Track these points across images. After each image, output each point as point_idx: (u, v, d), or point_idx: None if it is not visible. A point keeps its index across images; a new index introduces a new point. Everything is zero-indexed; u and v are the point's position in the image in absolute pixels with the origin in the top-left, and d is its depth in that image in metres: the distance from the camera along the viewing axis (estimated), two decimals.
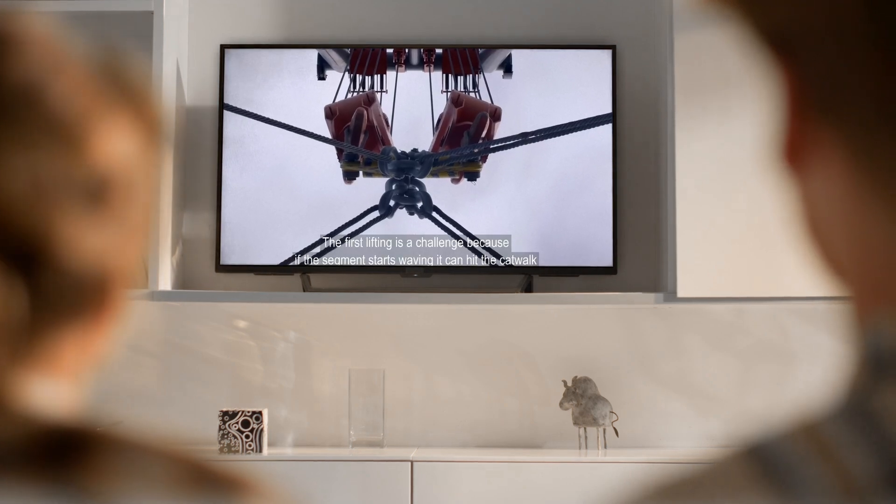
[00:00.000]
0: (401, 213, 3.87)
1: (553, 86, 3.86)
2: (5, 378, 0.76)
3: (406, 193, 3.86)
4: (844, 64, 0.54)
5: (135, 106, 0.82)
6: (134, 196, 0.81)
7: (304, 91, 3.88)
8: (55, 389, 0.79)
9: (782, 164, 0.58)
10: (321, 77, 3.88)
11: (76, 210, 0.77)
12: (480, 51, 3.88)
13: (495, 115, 3.86)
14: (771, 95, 0.58)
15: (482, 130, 3.86)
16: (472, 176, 3.85)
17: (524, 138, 3.86)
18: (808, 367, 3.83)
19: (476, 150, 3.86)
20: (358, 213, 3.87)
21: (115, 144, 0.80)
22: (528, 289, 3.81)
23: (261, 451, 3.69)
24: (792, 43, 0.56)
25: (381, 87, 3.89)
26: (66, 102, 0.78)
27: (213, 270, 3.87)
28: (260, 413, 3.69)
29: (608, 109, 3.84)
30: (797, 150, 0.57)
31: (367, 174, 3.87)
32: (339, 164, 3.87)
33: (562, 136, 3.85)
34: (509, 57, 3.87)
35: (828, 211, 0.57)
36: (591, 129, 3.84)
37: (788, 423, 0.53)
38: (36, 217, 0.76)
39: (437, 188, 3.86)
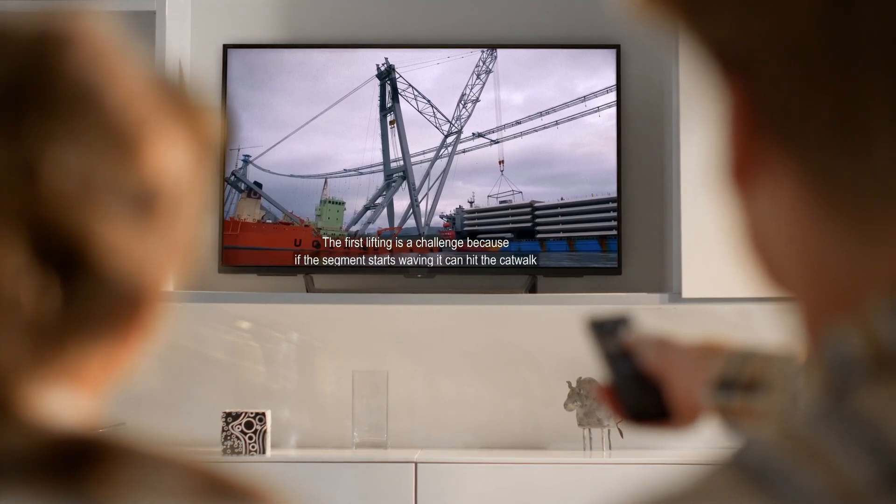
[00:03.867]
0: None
1: (557, 85, 3.86)
2: (22, 384, 0.74)
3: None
4: (799, 83, 0.54)
5: (191, 124, 0.81)
6: (180, 213, 0.80)
7: (307, 91, 3.87)
8: (72, 400, 0.77)
9: (730, 182, 0.58)
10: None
11: (122, 217, 0.76)
12: (484, 51, 3.87)
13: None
14: (720, 112, 0.58)
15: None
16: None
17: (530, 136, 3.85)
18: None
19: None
20: (361, 211, 3.88)
21: (168, 158, 0.79)
22: (532, 289, 3.81)
23: (264, 452, 3.68)
24: (742, 59, 0.55)
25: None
26: (123, 107, 0.77)
27: (216, 271, 3.86)
28: (263, 414, 3.69)
29: (613, 109, 3.83)
30: (745, 169, 0.57)
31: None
32: (345, 161, 3.87)
33: (565, 136, 3.84)
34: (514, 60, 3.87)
35: (776, 228, 0.56)
36: (595, 129, 3.83)
37: (769, 431, 0.52)
38: (80, 217, 0.74)
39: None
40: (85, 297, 0.75)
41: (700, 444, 3.85)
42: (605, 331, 1.31)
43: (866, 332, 0.53)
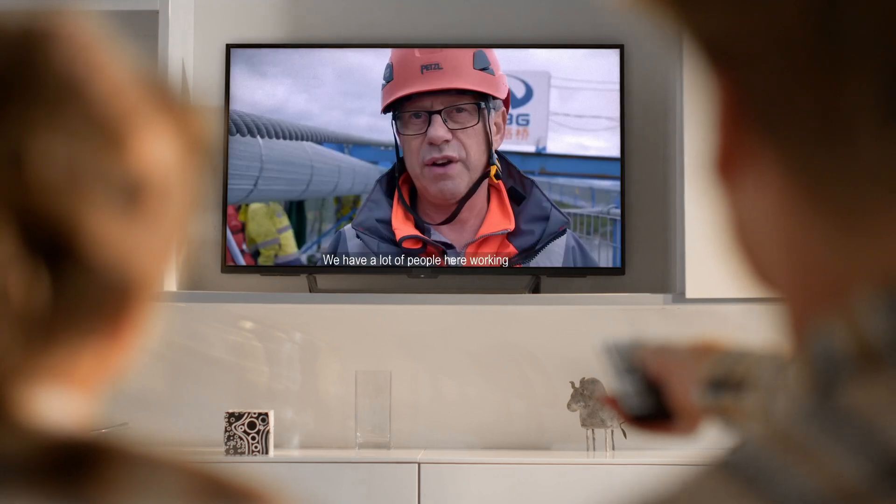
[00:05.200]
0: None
1: (560, 85, 3.85)
2: (16, 383, 0.74)
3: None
4: (786, 77, 0.54)
5: (178, 120, 0.81)
6: (168, 206, 0.79)
7: (311, 90, 3.86)
8: (67, 401, 0.76)
9: (715, 176, 0.58)
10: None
11: (109, 207, 0.76)
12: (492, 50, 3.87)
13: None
14: (707, 104, 0.58)
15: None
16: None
17: (534, 142, 3.84)
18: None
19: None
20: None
21: (154, 150, 0.79)
22: (536, 290, 3.80)
23: (267, 452, 3.68)
24: (730, 52, 0.55)
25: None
26: (108, 99, 0.77)
27: (219, 271, 3.86)
28: (266, 415, 3.68)
29: (616, 109, 3.82)
30: (730, 162, 0.57)
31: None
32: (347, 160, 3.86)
33: (569, 136, 3.84)
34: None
35: (761, 223, 0.57)
36: (599, 129, 3.83)
37: (758, 431, 0.52)
38: (68, 207, 0.74)
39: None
40: (74, 288, 0.75)
41: (704, 445, 3.84)
42: (621, 353, 1.37)
43: (851, 327, 0.53)
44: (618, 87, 3.83)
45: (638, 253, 3.90)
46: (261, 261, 3.84)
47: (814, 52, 0.53)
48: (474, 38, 3.93)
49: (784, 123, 0.54)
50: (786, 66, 0.53)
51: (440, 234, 3.80)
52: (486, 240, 3.80)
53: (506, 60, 3.85)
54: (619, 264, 3.79)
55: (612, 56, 3.84)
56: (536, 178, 3.83)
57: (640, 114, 3.90)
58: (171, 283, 3.77)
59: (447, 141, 3.79)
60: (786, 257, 0.56)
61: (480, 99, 3.82)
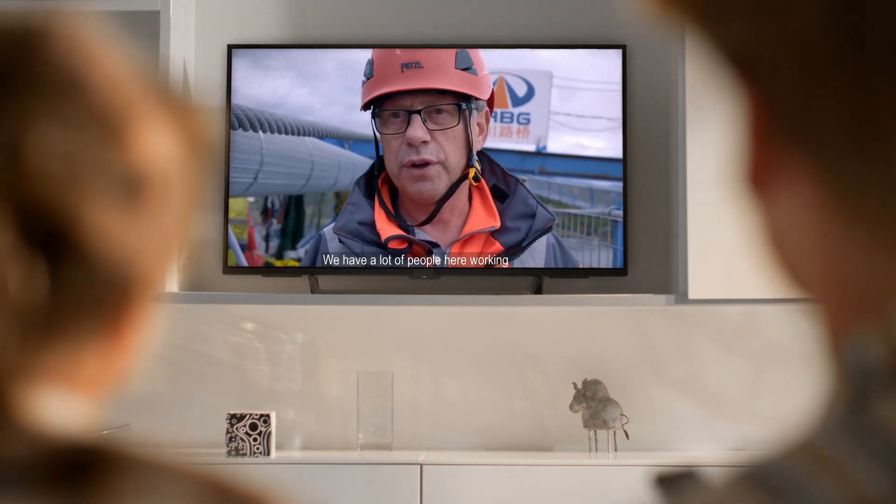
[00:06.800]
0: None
1: (562, 85, 3.84)
2: (17, 384, 0.73)
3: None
4: (813, 86, 0.53)
5: (178, 116, 0.81)
6: (170, 201, 0.79)
7: (312, 85, 3.86)
8: (69, 403, 0.76)
9: (747, 187, 0.58)
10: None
11: (109, 200, 0.75)
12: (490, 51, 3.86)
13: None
14: (736, 117, 0.57)
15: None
16: (478, 177, 3.83)
17: (535, 143, 3.84)
18: (820, 369, 3.80)
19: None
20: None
21: (154, 144, 0.78)
22: (538, 290, 3.79)
23: (269, 454, 3.67)
24: (756, 64, 0.55)
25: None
26: (108, 92, 0.77)
27: (221, 272, 3.86)
28: (268, 416, 3.68)
29: (618, 109, 3.82)
30: (763, 173, 0.57)
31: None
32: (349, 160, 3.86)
33: (571, 137, 3.83)
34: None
35: (796, 233, 0.56)
36: (600, 129, 3.82)
37: (785, 444, 0.52)
38: (67, 199, 0.73)
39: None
40: (73, 283, 0.74)
41: (706, 445, 3.83)
42: (676, 490, 1.22)
43: (886, 339, 0.52)
44: (619, 87, 3.82)
45: (640, 254, 3.89)
46: (235, 232, 3.83)
47: (839, 60, 0.52)
48: (477, 38, 3.92)
49: (814, 132, 0.54)
50: (812, 74, 0.53)
51: (424, 234, 3.79)
52: (470, 237, 3.79)
53: (507, 59, 3.85)
54: (621, 265, 3.79)
55: (615, 56, 3.84)
56: (536, 178, 3.82)
57: (643, 114, 3.90)
58: (172, 285, 3.76)
59: (425, 142, 3.78)
60: (821, 266, 0.55)
61: (462, 100, 3.80)
